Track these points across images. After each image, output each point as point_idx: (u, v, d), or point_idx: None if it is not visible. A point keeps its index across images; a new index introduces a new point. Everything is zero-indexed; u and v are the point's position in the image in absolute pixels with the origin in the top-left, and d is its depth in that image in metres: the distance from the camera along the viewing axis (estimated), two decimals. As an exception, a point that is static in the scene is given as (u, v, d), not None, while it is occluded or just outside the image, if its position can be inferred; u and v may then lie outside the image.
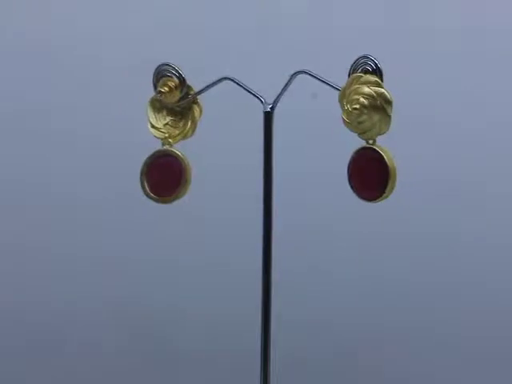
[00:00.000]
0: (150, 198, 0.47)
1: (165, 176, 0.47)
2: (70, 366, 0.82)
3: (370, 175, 0.44)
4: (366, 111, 0.43)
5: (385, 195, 0.43)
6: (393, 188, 0.43)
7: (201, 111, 0.47)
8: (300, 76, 0.46)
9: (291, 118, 0.70)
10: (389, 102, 0.42)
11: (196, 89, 0.47)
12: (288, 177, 0.65)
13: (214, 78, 0.46)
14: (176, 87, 0.46)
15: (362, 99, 0.43)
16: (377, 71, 0.43)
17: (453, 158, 0.80)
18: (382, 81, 0.43)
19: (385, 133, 0.43)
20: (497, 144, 0.80)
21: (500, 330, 0.81)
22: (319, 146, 0.78)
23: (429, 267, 0.81)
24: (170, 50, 0.78)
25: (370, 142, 0.43)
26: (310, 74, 0.45)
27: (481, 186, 0.80)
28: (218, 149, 0.75)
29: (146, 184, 0.47)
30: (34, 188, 0.81)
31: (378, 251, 0.81)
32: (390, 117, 0.42)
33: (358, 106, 0.43)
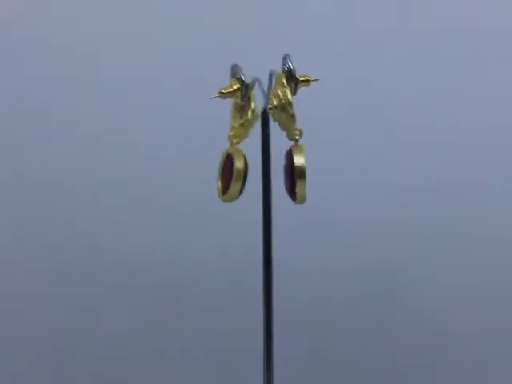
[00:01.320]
0: (219, 197, 0.47)
1: (228, 175, 0.46)
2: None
3: (290, 176, 0.44)
4: (276, 112, 0.44)
5: (297, 196, 0.43)
6: (302, 189, 0.43)
7: (253, 112, 0.47)
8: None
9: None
10: (290, 103, 0.43)
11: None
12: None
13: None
14: (239, 88, 0.46)
15: (274, 100, 0.44)
16: (290, 71, 0.44)
17: (453, 158, 0.80)
18: (293, 80, 0.44)
19: (296, 133, 0.44)
20: (497, 144, 0.80)
21: (500, 329, 0.81)
22: (318, 145, 0.78)
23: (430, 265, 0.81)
24: (170, 49, 0.79)
25: (294, 142, 0.44)
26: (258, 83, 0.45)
27: (481, 186, 0.80)
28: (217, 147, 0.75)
29: (218, 182, 0.47)
30: (35, 187, 0.81)
31: (377, 250, 0.81)
32: (293, 116, 0.43)
33: (270, 106, 0.44)
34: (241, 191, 0.46)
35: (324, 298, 0.81)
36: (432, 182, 0.80)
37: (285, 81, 0.44)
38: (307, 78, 0.45)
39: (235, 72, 0.47)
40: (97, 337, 0.82)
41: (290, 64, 0.44)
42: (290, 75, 0.44)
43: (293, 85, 0.44)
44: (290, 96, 0.43)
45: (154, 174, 0.80)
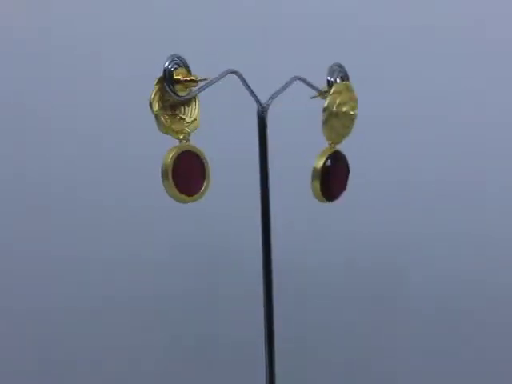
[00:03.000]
0: (176, 197, 0.44)
1: (189, 173, 0.45)
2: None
3: (342, 175, 0.48)
4: (334, 116, 0.46)
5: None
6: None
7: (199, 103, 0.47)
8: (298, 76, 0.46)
9: (289, 118, 0.71)
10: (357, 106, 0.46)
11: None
12: (286, 177, 0.66)
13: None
14: (185, 80, 0.45)
15: (354, 104, 0.46)
16: (346, 78, 0.47)
17: (453, 158, 0.80)
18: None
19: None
20: (497, 144, 0.80)
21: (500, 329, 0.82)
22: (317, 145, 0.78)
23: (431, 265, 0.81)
24: (170, 48, 0.78)
25: (333, 145, 0.47)
26: (304, 81, 0.46)
27: (482, 186, 0.81)
28: (215, 145, 0.75)
29: (172, 184, 0.44)
30: (34, 188, 0.81)
31: (376, 250, 0.81)
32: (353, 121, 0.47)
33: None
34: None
35: (324, 298, 0.81)
36: (432, 181, 0.80)
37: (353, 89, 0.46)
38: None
39: (179, 61, 0.45)
40: (97, 336, 0.82)
41: (345, 71, 0.47)
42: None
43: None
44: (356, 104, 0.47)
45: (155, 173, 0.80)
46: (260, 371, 0.49)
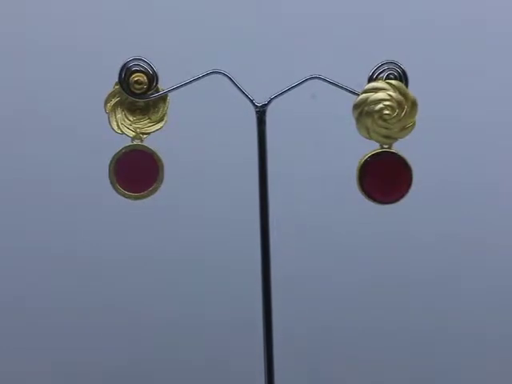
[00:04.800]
0: (120, 193, 0.47)
1: (137, 171, 0.47)
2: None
3: (388, 178, 0.46)
4: (395, 118, 0.44)
5: (403, 197, 0.46)
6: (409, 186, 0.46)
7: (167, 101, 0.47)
8: (298, 76, 0.46)
9: (289, 119, 0.71)
10: (415, 108, 0.44)
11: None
12: (285, 178, 0.66)
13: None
14: (147, 83, 0.46)
15: (392, 103, 0.44)
16: (402, 77, 0.45)
17: (454, 158, 0.80)
18: (407, 86, 0.45)
19: (402, 138, 0.45)
20: (497, 144, 0.80)
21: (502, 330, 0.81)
22: (317, 146, 0.78)
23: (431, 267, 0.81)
24: (169, 47, 0.79)
25: (386, 146, 0.45)
26: (324, 79, 0.45)
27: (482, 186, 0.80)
28: (213, 147, 0.75)
29: (115, 180, 0.47)
30: (34, 188, 0.81)
31: (376, 252, 0.81)
32: (415, 122, 0.45)
33: (389, 112, 0.44)
34: None
35: (324, 301, 0.81)
36: (433, 183, 0.80)
37: (405, 87, 0.45)
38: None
39: (139, 64, 0.46)
40: (95, 336, 0.82)
41: (404, 69, 0.45)
42: (405, 81, 0.45)
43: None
44: (416, 101, 0.45)
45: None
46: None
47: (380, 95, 0.44)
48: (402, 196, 0.46)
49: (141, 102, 0.46)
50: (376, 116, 0.44)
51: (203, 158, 0.74)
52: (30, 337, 0.82)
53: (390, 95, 0.44)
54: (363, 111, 0.44)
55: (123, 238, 0.81)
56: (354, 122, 0.44)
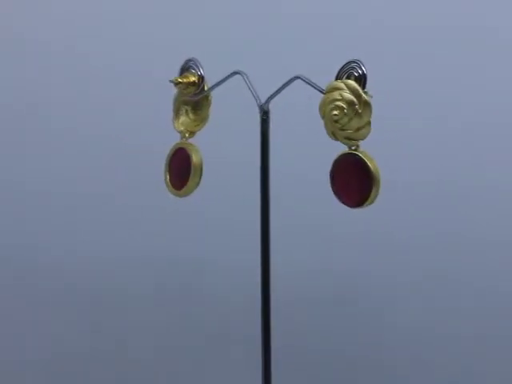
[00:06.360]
0: (170, 191, 0.48)
1: (180, 169, 0.48)
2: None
3: (353, 181, 0.43)
4: (345, 118, 0.42)
5: (367, 202, 0.43)
6: (376, 195, 0.43)
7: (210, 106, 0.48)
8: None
9: (290, 119, 0.71)
10: (369, 108, 0.42)
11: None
12: (286, 177, 0.66)
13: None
14: (194, 82, 0.47)
15: (341, 104, 0.42)
16: (362, 77, 0.42)
17: (452, 157, 0.80)
18: (364, 87, 0.42)
19: (362, 139, 0.43)
20: (497, 144, 0.80)
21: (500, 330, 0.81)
22: (317, 146, 0.78)
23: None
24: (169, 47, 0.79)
25: (353, 147, 0.43)
26: (303, 80, 0.44)
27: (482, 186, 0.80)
28: (216, 146, 0.75)
29: (167, 177, 0.48)
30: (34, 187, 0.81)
31: (375, 252, 0.81)
32: (369, 122, 0.42)
33: (337, 112, 0.42)
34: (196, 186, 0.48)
35: (322, 299, 0.81)
36: (430, 181, 0.80)
37: (358, 86, 0.42)
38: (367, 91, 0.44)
39: (191, 66, 0.48)
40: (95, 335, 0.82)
41: (364, 70, 0.42)
42: (362, 82, 0.42)
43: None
44: (368, 99, 0.42)
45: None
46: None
47: (333, 95, 0.43)
48: (361, 199, 0.43)
49: (191, 101, 0.48)
50: (329, 116, 0.43)
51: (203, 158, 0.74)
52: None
53: (341, 95, 0.42)
54: (324, 112, 0.43)
55: (124, 238, 0.81)
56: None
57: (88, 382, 0.83)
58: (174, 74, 0.80)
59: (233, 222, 0.79)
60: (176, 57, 0.79)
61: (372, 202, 0.43)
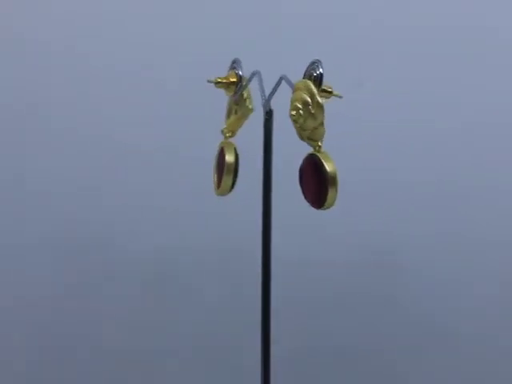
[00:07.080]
0: (214, 190, 0.49)
1: (220, 169, 0.48)
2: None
3: (312, 183, 0.42)
4: (301, 118, 0.42)
5: (326, 204, 0.42)
6: (333, 197, 0.41)
7: (248, 106, 0.48)
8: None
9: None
10: (321, 109, 0.41)
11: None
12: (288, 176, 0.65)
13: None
14: (233, 82, 0.48)
15: (298, 105, 0.42)
16: (320, 78, 0.42)
17: (452, 157, 0.80)
18: (319, 86, 0.42)
19: (320, 140, 0.42)
20: (497, 144, 0.80)
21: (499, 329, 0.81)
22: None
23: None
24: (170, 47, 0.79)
25: (317, 148, 0.42)
26: (286, 80, 0.44)
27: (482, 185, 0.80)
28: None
29: (214, 176, 0.49)
30: (33, 187, 0.81)
31: (376, 252, 0.81)
32: (322, 123, 0.42)
33: (294, 113, 0.42)
34: (232, 185, 0.47)
35: (323, 295, 0.81)
36: (432, 180, 0.80)
37: (313, 86, 0.42)
38: (331, 90, 0.44)
39: (235, 66, 0.48)
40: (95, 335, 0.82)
41: (321, 70, 0.42)
42: (318, 82, 0.42)
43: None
44: (320, 101, 0.41)
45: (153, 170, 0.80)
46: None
47: (294, 95, 0.42)
48: (320, 200, 0.42)
49: (237, 101, 0.48)
50: (290, 116, 0.43)
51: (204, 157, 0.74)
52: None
53: (300, 96, 0.42)
54: (289, 112, 0.43)
55: (124, 238, 0.81)
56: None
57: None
58: (175, 73, 0.81)
59: (233, 223, 0.79)
60: (176, 57, 0.80)
61: (331, 203, 0.42)
